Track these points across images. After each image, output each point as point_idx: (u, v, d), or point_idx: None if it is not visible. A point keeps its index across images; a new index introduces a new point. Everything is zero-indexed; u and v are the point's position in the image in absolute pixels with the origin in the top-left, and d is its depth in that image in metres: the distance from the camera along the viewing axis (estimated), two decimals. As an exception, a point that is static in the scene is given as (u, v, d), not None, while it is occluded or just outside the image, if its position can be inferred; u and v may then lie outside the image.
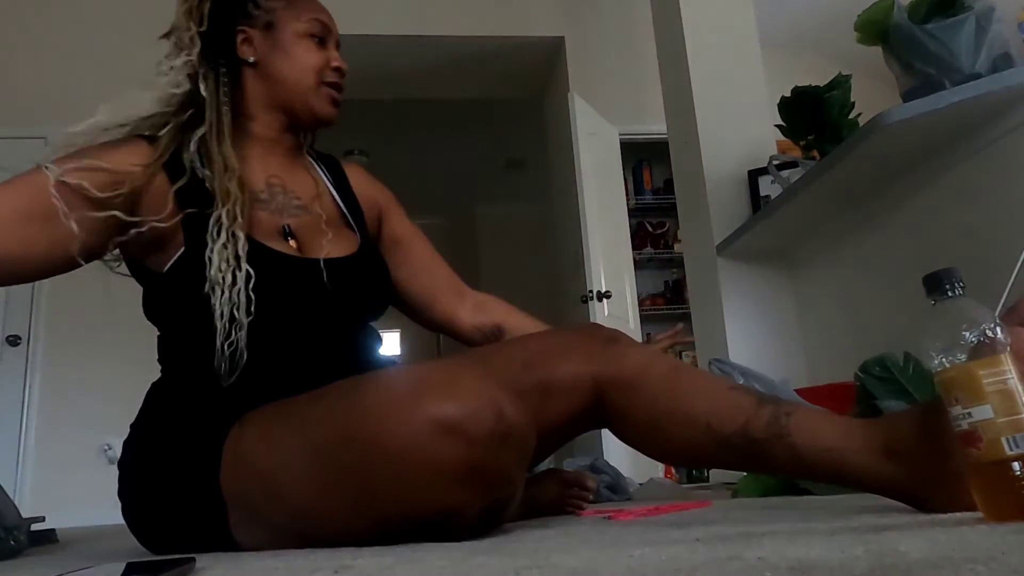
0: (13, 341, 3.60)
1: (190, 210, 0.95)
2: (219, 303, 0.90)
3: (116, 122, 1.02)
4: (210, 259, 0.91)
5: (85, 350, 3.62)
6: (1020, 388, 0.60)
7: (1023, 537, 0.50)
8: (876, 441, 0.77)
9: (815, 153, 2.18)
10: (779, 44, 4.28)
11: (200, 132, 1.00)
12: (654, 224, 5.04)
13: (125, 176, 0.94)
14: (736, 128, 2.68)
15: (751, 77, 2.77)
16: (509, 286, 4.22)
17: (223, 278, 0.90)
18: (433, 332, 1.24)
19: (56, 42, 4.01)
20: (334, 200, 1.15)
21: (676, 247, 4.78)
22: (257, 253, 0.94)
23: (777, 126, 2.30)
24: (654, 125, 3.86)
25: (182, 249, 0.94)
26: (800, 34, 4.64)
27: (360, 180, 1.24)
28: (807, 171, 2.02)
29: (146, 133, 1.02)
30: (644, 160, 5.00)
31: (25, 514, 1.44)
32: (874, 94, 2.26)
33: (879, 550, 0.47)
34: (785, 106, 2.22)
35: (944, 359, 0.63)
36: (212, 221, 0.93)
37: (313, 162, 1.19)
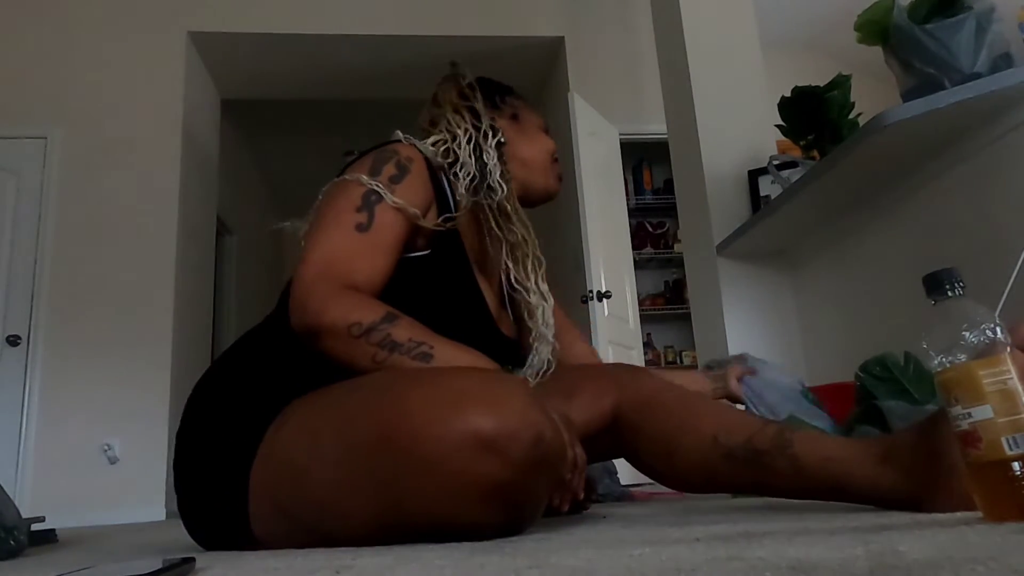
0: (13, 341, 3.60)
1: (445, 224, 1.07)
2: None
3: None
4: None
5: (85, 350, 3.62)
6: (1020, 388, 0.60)
7: (1023, 537, 0.50)
8: (875, 450, 0.80)
9: (815, 153, 2.17)
10: (779, 44, 4.29)
11: (499, 197, 1.13)
12: (654, 224, 5.04)
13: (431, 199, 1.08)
14: (736, 128, 2.68)
15: (751, 77, 2.77)
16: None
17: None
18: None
19: (57, 43, 4.01)
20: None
21: (676, 247, 4.79)
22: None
23: (777, 126, 2.29)
24: (654, 125, 3.87)
25: (426, 252, 1.05)
26: (800, 34, 4.65)
27: None
28: (807, 171, 2.02)
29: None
30: (644, 160, 5.00)
31: (25, 514, 1.44)
32: (874, 94, 2.26)
33: (879, 550, 0.47)
34: (785, 106, 2.22)
35: (944, 359, 0.63)
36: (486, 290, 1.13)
37: None
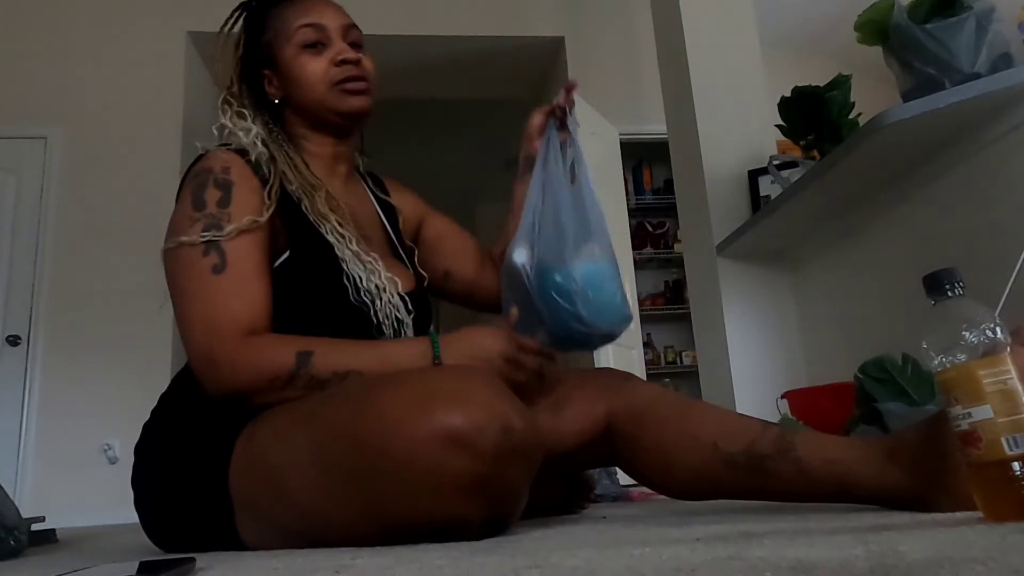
0: (13, 341, 3.60)
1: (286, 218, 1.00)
2: (380, 307, 0.99)
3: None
4: (359, 276, 0.99)
5: (85, 350, 3.62)
6: (1020, 388, 0.60)
7: (1023, 537, 0.50)
8: (878, 450, 0.79)
9: (815, 153, 2.17)
10: (779, 44, 4.28)
11: (278, 170, 1.03)
12: (654, 224, 5.04)
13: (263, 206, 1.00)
14: (736, 128, 2.68)
15: (751, 77, 2.77)
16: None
17: (376, 286, 0.99)
18: (479, 311, 1.29)
19: (57, 43, 4.00)
20: (383, 224, 1.19)
21: (676, 247, 4.79)
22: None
23: (777, 126, 2.29)
24: (654, 125, 3.86)
25: (286, 254, 0.99)
26: (800, 34, 4.64)
27: (399, 194, 1.28)
28: (807, 171, 2.02)
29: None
30: (644, 160, 4.99)
31: (25, 514, 1.44)
32: (874, 94, 2.26)
33: (879, 550, 0.47)
34: (785, 106, 2.21)
35: (944, 359, 0.63)
36: (335, 241, 0.99)
37: (363, 182, 1.23)
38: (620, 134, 4.25)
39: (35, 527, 1.57)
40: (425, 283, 1.18)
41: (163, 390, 1.07)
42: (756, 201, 2.55)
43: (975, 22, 1.57)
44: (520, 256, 1.03)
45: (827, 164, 1.88)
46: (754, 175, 2.57)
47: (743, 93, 2.73)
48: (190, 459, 0.91)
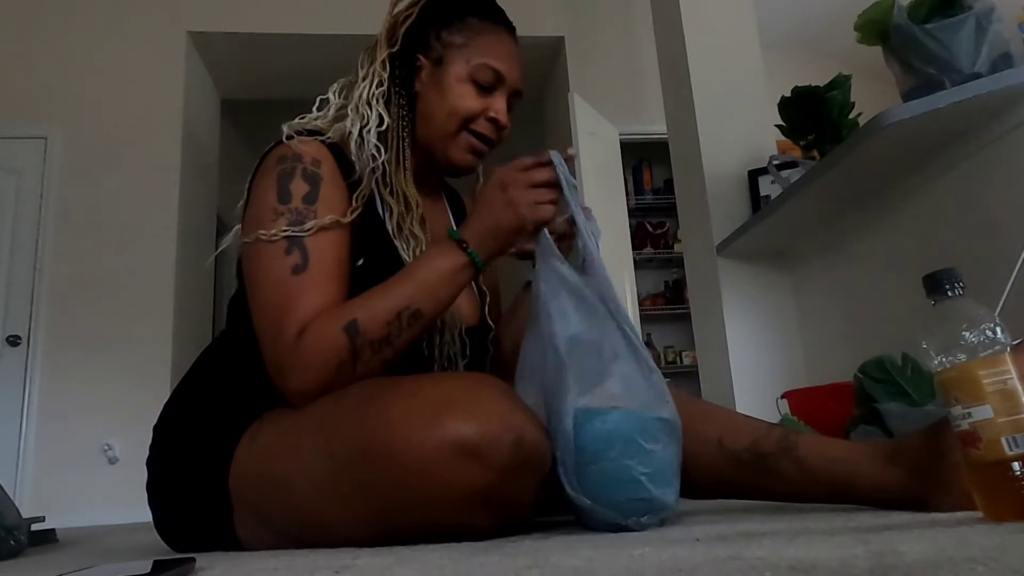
0: (13, 341, 3.60)
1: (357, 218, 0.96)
2: (436, 344, 0.98)
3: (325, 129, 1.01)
4: None
5: (85, 350, 3.62)
6: (1020, 388, 0.60)
7: (1023, 537, 0.50)
8: (880, 451, 0.80)
9: (815, 153, 2.17)
10: (779, 44, 4.29)
11: (383, 158, 0.98)
12: (654, 224, 5.05)
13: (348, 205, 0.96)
14: (736, 128, 2.68)
15: (751, 77, 2.77)
16: (509, 286, 4.21)
17: (440, 321, 0.97)
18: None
19: (57, 43, 4.01)
20: None
21: (676, 247, 4.79)
22: None
23: (777, 126, 2.29)
24: (654, 125, 3.87)
25: (359, 262, 0.94)
26: (800, 34, 4.65)
27: None
28: (807, 171, 2.02)
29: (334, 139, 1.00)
30: (644, 160, 5.00)
31: (25, 514, 1.45)
32: (874, 94, 2.26)
33: (879, 550, 0.47)
34: (785, 106, 2.21)
35: (944, 359, 0.63)
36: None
37: (445, 199, 1.18)
38: (620, 134, 4.25)
39: (35, 527, 1.57)
40: (487, 300, 1.13)
41: (163, 390, 1.07)
42: (756, 201, 2.55)
43: (975, 22, 1.57)
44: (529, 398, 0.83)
45: (827, 164, 1.88)
46: (754, 175, 2.57)
47: (743, 93, 2.73)
48: (191, 458, 0.91)
